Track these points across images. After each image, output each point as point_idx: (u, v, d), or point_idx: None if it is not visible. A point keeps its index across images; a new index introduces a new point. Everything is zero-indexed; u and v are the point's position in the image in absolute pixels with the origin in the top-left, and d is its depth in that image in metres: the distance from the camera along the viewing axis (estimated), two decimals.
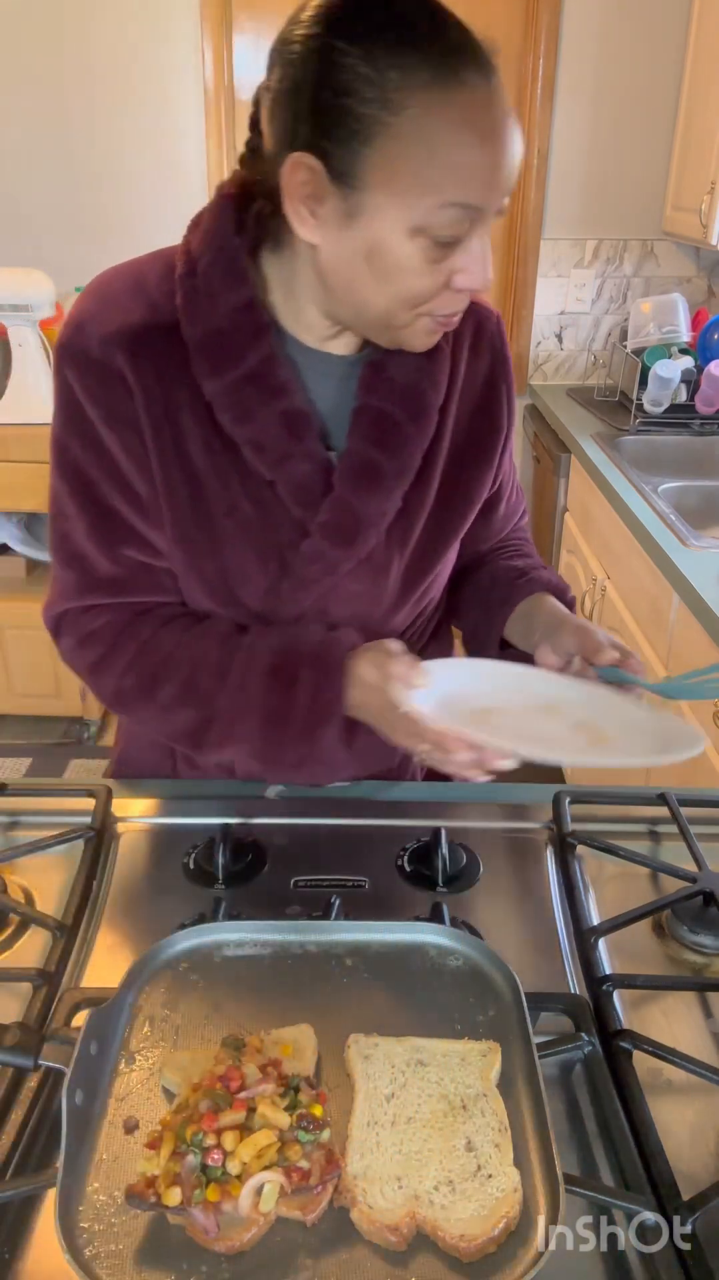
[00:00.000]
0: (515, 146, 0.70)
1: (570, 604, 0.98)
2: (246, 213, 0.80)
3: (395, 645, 0.83)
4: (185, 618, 0.91)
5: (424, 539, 0.93)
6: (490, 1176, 0.60)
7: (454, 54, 0.67)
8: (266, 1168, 0.59)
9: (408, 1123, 0.64)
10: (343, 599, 0.90)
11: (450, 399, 0.90)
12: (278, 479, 0.83)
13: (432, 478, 0.91)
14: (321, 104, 0.68)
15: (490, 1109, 0.64)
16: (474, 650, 1.04)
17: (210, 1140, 0.59)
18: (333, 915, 0.81)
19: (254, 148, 0.78)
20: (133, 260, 0.85)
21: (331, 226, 0.73)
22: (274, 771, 0.92)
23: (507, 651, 0.98)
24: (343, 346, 0.86)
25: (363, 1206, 0.58)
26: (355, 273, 0.74)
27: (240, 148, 0.80)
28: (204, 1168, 0.58)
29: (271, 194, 0.75)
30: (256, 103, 0.76)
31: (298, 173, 0.71)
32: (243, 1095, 0.62)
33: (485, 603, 1.01)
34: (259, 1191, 0.58)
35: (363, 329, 0.81)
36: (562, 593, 1.00)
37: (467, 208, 0.69)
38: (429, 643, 1.07)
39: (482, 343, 0.93)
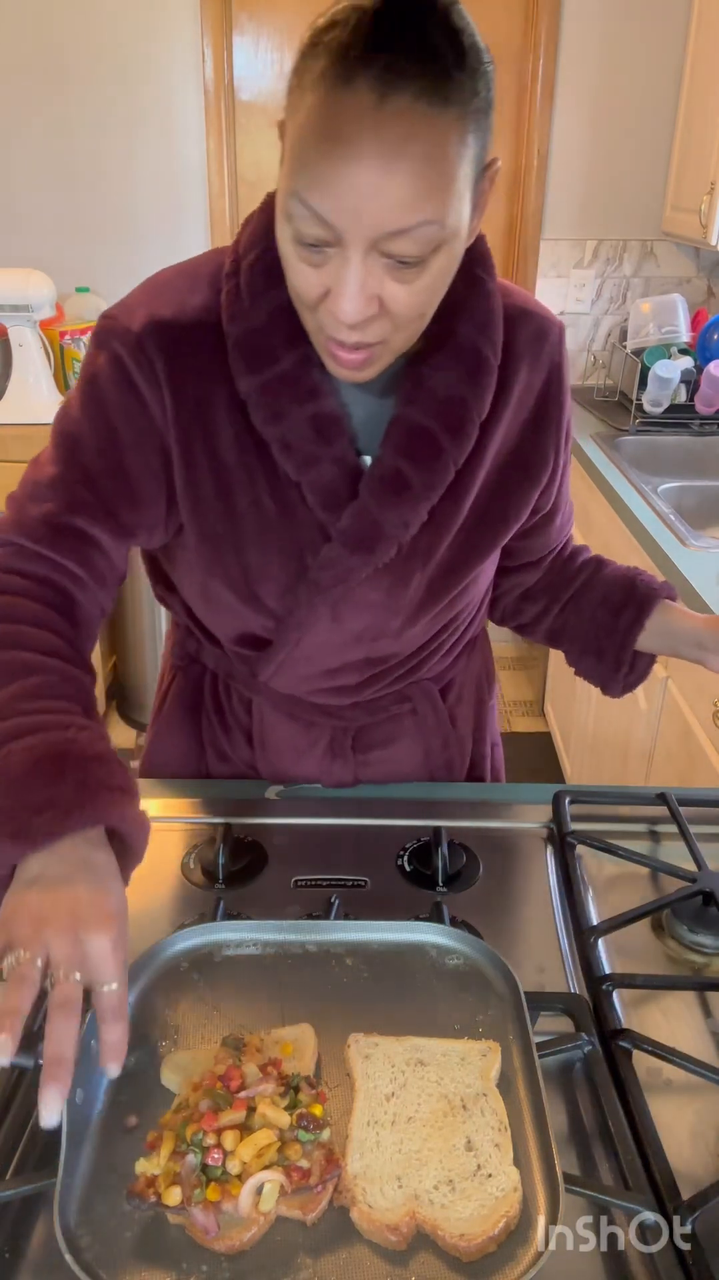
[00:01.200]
0: (376, 179, 0.63)
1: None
2: None
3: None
4: (55, 642, 0.79)
5: (451, 555, 0.91)
6: (490, 1176, 0.60)
7: (363, 63, 0.62)
8: (267, 1167, 0.59)
9: (408, 1122, 0.64)
10: (359, 607, 0.90)
11: (500, 414, 0.86)
12: (303, 481, 0.83)
13: (466, 493, 0.88)
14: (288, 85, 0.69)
15: (490, 1108, 0.64)
16: (595, 663, 1.06)
17: (210, 1140, 0.59)
18: (333, 915, 0.81)
19: None
20: (193, 258, 0.86)
21: None
22: None
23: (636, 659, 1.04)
24: None
25: (363, 1206, 0.58)
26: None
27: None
28: (204, 1167, 0.58)
29: None
30: None
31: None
32: (243, 1095, 0.62)
33: (606, 622, 1.03)
34: (259, 1191, 0.58)
35: None
36: (673, 595, 1.04)
37: (311, 212, 0.65)
38: (460, 656, 1.06)
39: (541, 356, 0.88)
